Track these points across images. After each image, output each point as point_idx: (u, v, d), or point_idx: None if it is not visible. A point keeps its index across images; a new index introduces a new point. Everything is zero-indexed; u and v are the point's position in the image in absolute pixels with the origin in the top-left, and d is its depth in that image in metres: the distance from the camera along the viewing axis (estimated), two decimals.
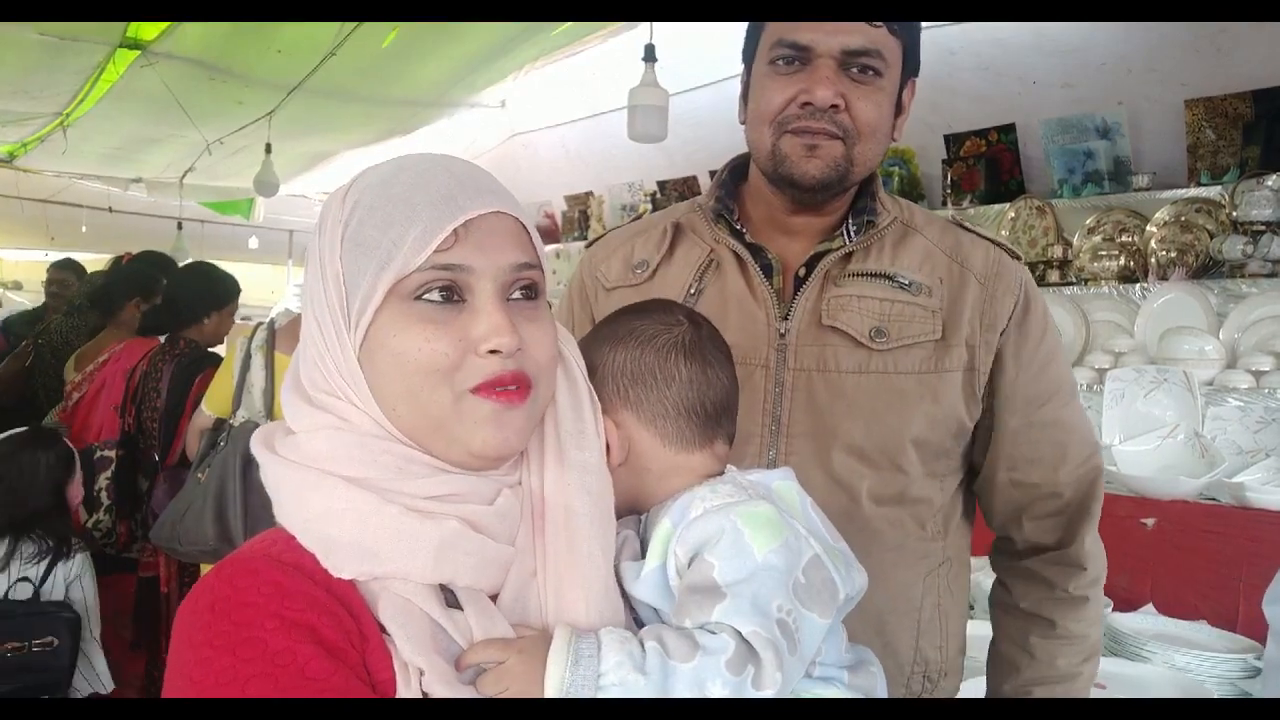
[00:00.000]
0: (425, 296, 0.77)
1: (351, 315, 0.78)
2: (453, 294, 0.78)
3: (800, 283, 1.23)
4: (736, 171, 1.34)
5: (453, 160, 0.83)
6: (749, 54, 1.27)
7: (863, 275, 1.23)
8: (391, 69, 5.12)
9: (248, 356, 2.58)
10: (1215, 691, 2.00)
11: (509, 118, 6.61)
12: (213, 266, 3.43)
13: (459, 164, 0.83)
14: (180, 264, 4.00)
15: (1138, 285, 3.40)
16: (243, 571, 0.75)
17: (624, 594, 0.83)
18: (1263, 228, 3.13)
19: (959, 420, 1.24)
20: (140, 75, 4.99)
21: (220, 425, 2.57)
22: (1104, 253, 3.55)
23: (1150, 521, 2.69)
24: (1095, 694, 1.97)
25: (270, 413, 2.53)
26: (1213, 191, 3.42)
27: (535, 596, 0.79)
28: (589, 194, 6.35)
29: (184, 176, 7.49)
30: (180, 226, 7.89)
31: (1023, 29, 4.01)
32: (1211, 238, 3.32)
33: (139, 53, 4.76)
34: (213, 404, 2.65)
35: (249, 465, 2.40)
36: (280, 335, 2.64)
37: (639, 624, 0.84)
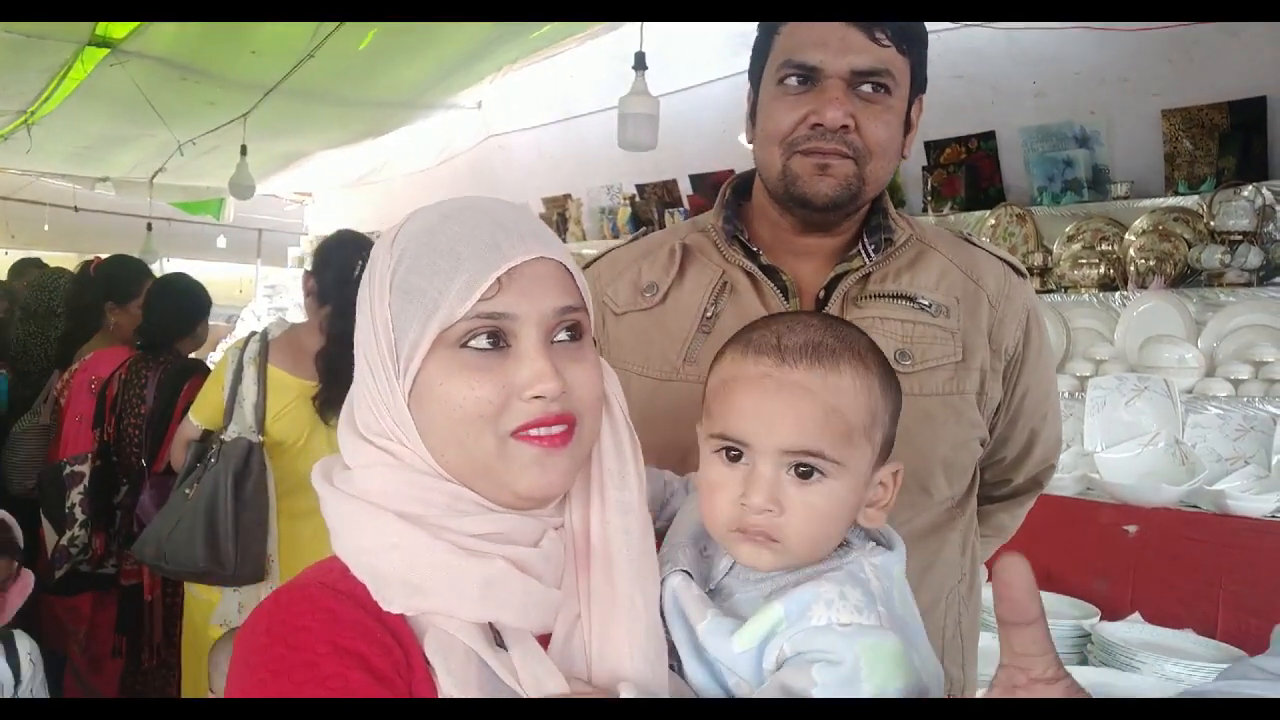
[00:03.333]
0: (471, 344, 0.79)
1: (400, 362, 0.80)
2: (498, 340, 0.79)
3: (820, 305, 1.22)
4: (739, 191, 1.33)
5: (497, 205, 0.84)
6: (756, 74, 1.26)
7: (883, 297, 1.23)
8: (368, 70, 5.06)
9: (239, 369, 2.51)
10: None
11: (485, 119, 6.56)
12: (189, 277, 3.40)
13: (503, 209, 0.84)
14: (150, 265, 3.96)
15: (1117, 293, 3.44)
16: (299, 598, 0.77)
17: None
18: (1240, 237, 3.18)
19: (980, 439, 1.26)
20: (109, 74, 4.89)
21: (207, 438, 2.51)
22: (1084, 260, 3.59)
23: (1133, 529, 2.72)
24: None
25: (262, 428, 2.48)
26: (1190, 201, 3.47)
27: (580, 640, 0.80)
28: (567, 196, 6.33)
29: (154, 176, 7.36)
30: (150, 227, 7.75)
31: (997, 38, 4.05)
32: (1190, 247, 3.36)
33: (107, 51, 4.67)
34: (201, 414, 2.57)
35: (241, 483, 2.36)
36: (275, 347, 2.56)
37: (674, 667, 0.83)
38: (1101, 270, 3.56)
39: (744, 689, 0.80)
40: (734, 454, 0.84)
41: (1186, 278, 3.39)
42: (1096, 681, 2.09)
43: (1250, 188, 3.24)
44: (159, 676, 2.97)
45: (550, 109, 6.09)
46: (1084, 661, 2.30)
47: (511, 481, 0.79)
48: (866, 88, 1.16)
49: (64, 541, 2.94)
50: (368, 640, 0.74)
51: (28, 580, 2.29)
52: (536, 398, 0.78)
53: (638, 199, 5.84)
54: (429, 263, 0.80)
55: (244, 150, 5.85)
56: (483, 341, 0.79)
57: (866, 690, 0.75)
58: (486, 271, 0.78)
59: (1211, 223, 3.26)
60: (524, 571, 0.78)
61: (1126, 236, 3.57)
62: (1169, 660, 2.10)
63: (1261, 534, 2.50)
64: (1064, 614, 2.44)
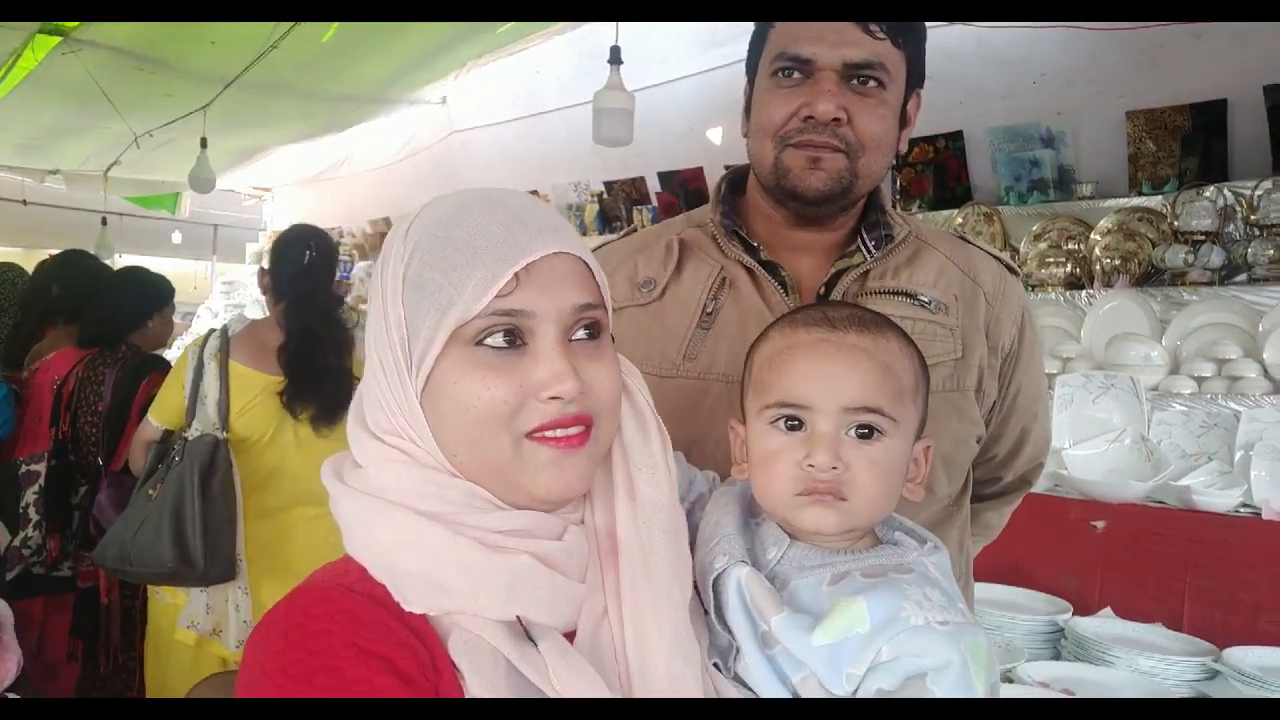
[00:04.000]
0: (486, 342, 0.77)
1: (413, 359, 0.78)
2: (514, 338, 0.77)
3: (820, 301, 1.21)
4: (735, 186, 1.31)
5: (514, 197, 0.82)
6: (751, 67, 1.25)
7: (883, 293, 1.22)
8: (331, 64, 4.98)
9: (200, 366, 2.47)
10: (1180, 695, 2.04)
11: (450, 115, 6.49)
12: (146, 270, 3.33)
13: (521, 201, 0.82)
14: (105, 260, 3.88)
15: (1084, 292, 3.48)
16: (316, 600, 0.74)
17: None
18: (1203, 237, 3.23)
19: (977, 436, 1.25)
20: (61, 63, 4.75)
21: (168, 438, 2.45)
22: (1050, 259, 3.63)
23: (1100, 524, 2.75)
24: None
25: (226, 425, 2.45)
26: (1154, 201, 3.52)
27: (608, 636, 0.78)
28: (533, 194, 6.27)
29: (109, 169, 7.18)
30: (105, 222, 7.56)
31: (966, 39, 4.09)
32: (1154, 246, 3.41)
33: (60, 39, 4.53)
34: (160, 414, 2.52)
35: (207, 480, 2.33)
36: (236, 343, 2.53)
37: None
38: (1068, 269, 3.61)
39: (811, 683, 0.79)
40: (793, 422, 0.85)
41: (1151, 277, 3.44)
42: (1071, 676, 2.10)
43: (1212, 188, 3.30)
44: (118, 681, 2.89)
45: (516, 105, 6.04)
46: (1058, 656, 2.32)
47: (527, 483, 0.77)
48: (860, 81, 1.15)
49: (16, 543, 2.84)
50: (392, 642, 0.71)
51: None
52: (553, 398, 0.76)
53: (605, 196, 5.81)
54: (444, 257, 0.77)
55: (204, 143, 5.73)
56: (499, 339, 0.76)
57: (978, 688, 0.75)
58: (503, 267, 0.76)
59: (1175, 223, 3.31)
60: (549, 566, 0.77)
61: (1092, 236, 3.62)
62: (1142, 655, 2.11)
63: (1225, 529, 2.54)
64: (1037, 609, 2.45)
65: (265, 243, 8.33)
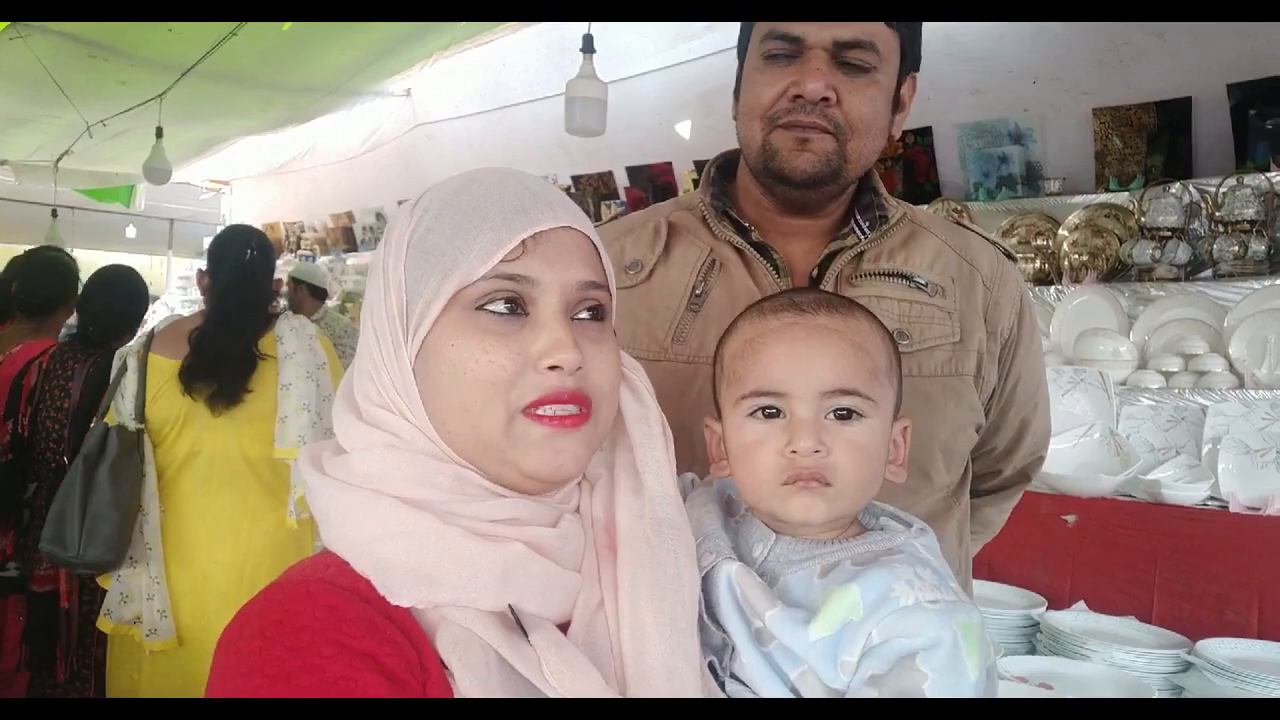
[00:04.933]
0: (488, 307, 0.74)
1: (411, 323, 0.75)
2: (516, 306, 0.75)
3: (814, 284, 1.18)
4: (724, 171, 1.28)
5: (525, 175, 0.81)
6: (741, 49, 1.22)
7: (878, 275, 1.19)
8: (292, 53, 4.87)
9: (124, 364, 2.50)
10: (1154, 688, 2.05)
11: (414, 107, 6.40)
12: (134, 272, 3.30)
13: (531, 178, 0.80)
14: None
15: (1053, 287, 3.50)
16: (295, 595, 0.70)
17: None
18: (1169, 233, 3.26)
19: (976, 424, 1.23)
20: (9, 48, 4.59)
21: None
22: (1019, 255, 3.64)
23: (1071, 518, 2.77)
24: (1041, 695, 1.99)
25: (140, 416, 2.46)
26: (1121, 197, 3.55)
27: (603, 628, 0.75)
28: None
29: (59, 160, 6.98)
30: (55, 214, 7.35)
31: (935, 35, 4.09)
32: (1121, 242, 3.44)
33: (6, 25, 4.38)
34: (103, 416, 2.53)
35: (93, 466, 2.34)
36: (159, 339, 2.55)
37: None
38: (1037, 265, 3.63)
39: (809, 679, 0.77)
40: (771, 410, 0.84)
41: (1118, 272, 3.47)
42: (1047, 670, 2.10)
43: (1178, 185, 3.34)
44: (71, 690, 2.78)
45: (482, 97, 5.97)
46: (1033, 650, 2.32)
47: (517, 458, 0.74)
48: (850, 61, 1.12)
49: None
50: (377, 639, 0.67)
51: None
52: (553, 368, 0.73)
53: (573, 190, 5.76)
54: (451, 222, 0.75)
55: (159, 132, 5.59)
56: (500, 306, 0.74)
57: (970, 667, 0.74)
58: (511, 233, 0.74)
59: (1142, 219, 3.34)
60: (542, 554, 0.74)
61: (1060, 232, 3.65)
62: (1118, 648, 2.12)
63: (1193, 522, 2.57)
64: (1012, 604, 2.46)
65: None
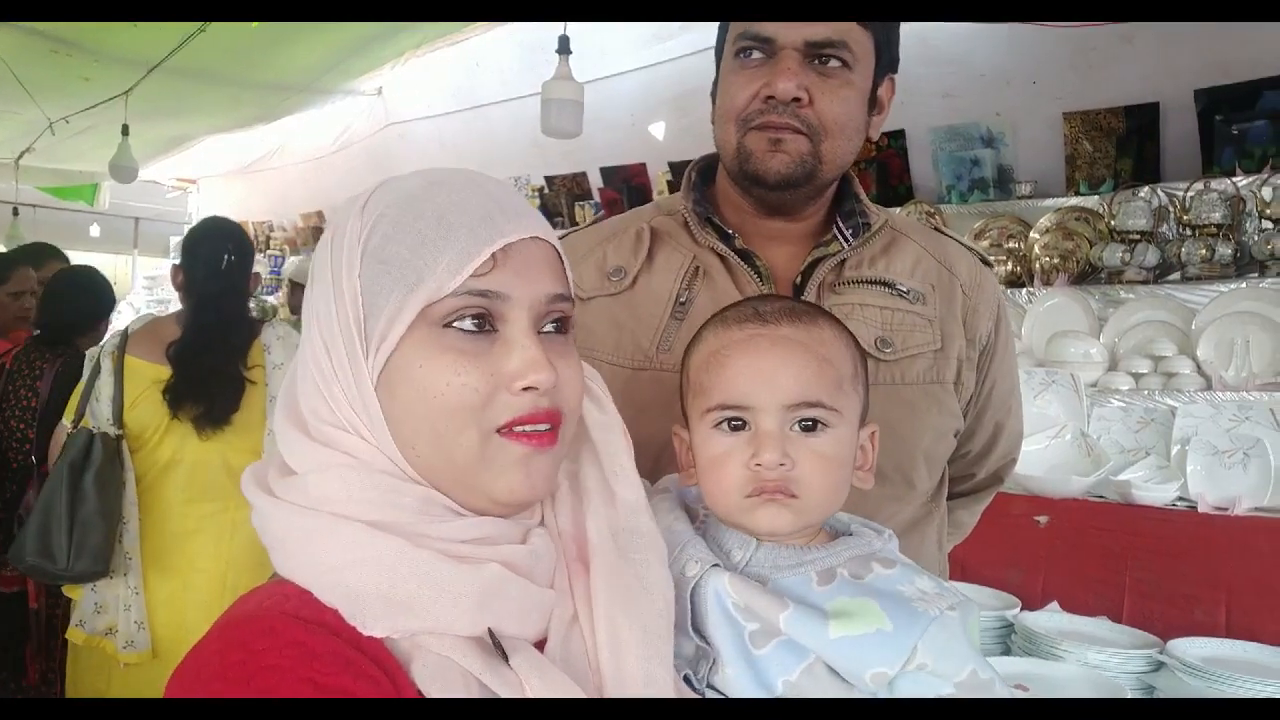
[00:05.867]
0: (456, 324, 0.71)
1: (371, 339, 0.71)
2: (485, 323, 0.72)
3: (797, 291, 1.17)
4: (704, 175, 1.27)
5: (486, 179, 0.77)
6: (718, 51, 1.21)
7: (860, 282, 1.18)
8: (262, 50, 4.80)
9: (97, 364, 2.41)
10: (1127, 688, 2.06)
11: (386, 106, 6.34)
12: (96, 272, 3.25)
13: (493, 183, 0.76)
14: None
15: (1024, 290, 3.53)
16: (257, 632, 0.65)
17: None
18: (1138, 237, 3.30)
19: (956, 430, 1.23)
20: None
21: None
22: (992, 258, 3.66)
23: (1043, 519, 2.79)
24: (1017, 696, 2.00)
25: (119, 421, 2.38)
26: (1091, 201, 3.59)
27: (579, 642, 0.73)
28: None
29: (20, 157, 6.84)
30: (16, 213, 7.21)
31: (908, 38, 4.11)
32: (1091, 245, 3.47)
33: None
34: (70, 415, 2.44)
35: (78, 475, 2.26)
36: (134, 339, 2.46)
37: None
38: (1009, 267, 3.66)
39: (817, 670, 0.77)
40: (736, 423, 0.84)
41: (1088, 275, 3.50)
42: (1022, 672, 2.11)
43: (1146, 189, 3.38)
44: (45, 693, 2.73)
45: (455, 97, 5.93)
46: (1007, 652, 2.33)
47: (489, 483, 0.71)
48: (823, 60, 1.11)
49: None
50: (352, 674, 0.63)
51: None
52: (527, 389, 0.71)
53: (546, 191, 5.74)
54: (413, 230, 0.71)
55: (125, 130, 5.49)
56: (469, 324, 0.71)
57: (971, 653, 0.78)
58: (481, 245, 0.71)
59: (1112, 222, 3.37)
60: (517, 573, 0.71)
61: (1031, 235, 3.68)
62: (1091, 649, 2.13)
63: (1162, 522, 2.60)
64: (986, 605, 2.47)
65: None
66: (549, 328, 0.75)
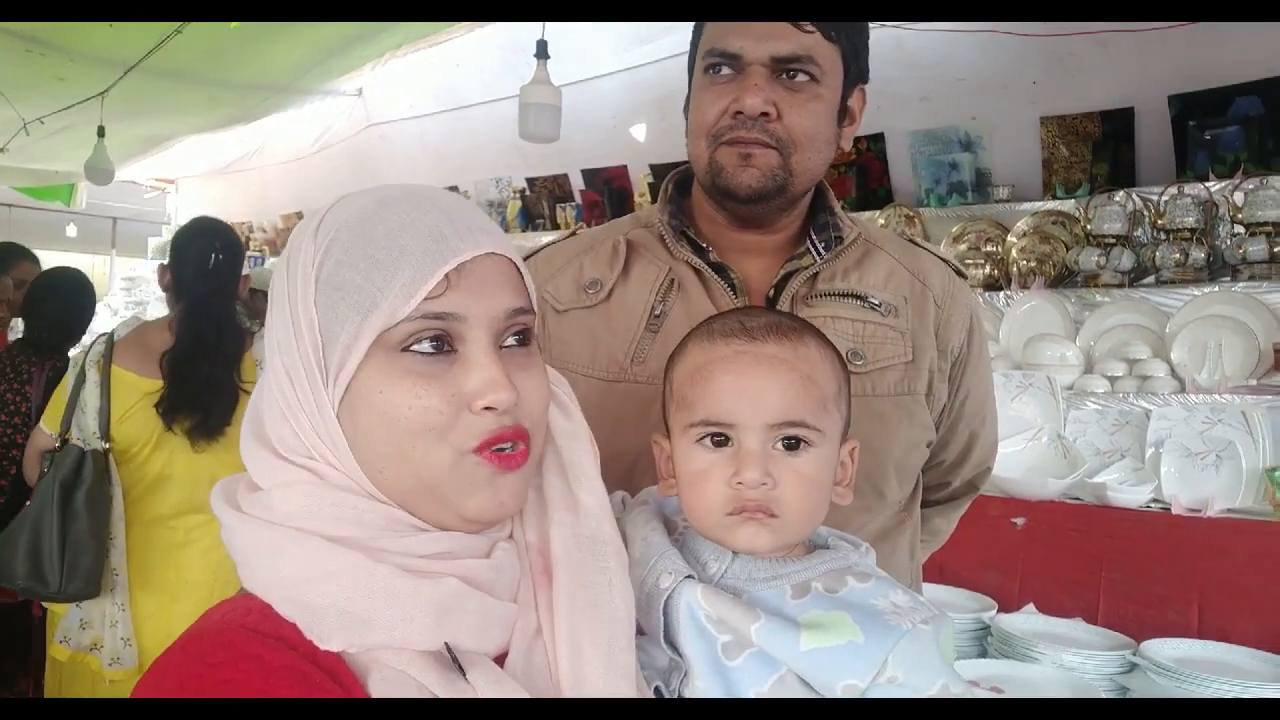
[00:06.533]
0: (414, 348, 0.71)
1: (330, 368, 0.71)
2: (443, 344, 0.71)
3: (770, 304, 1.18)
4: (680, 187, 1.27)
5: (437, 193, 0.76)
6: (690, 67, 1.22)
7: (833, 295, 1.19)
8: (240, 51, 4.77)
9: (82, 372, 2.36)
10: (1101, 689, 2.09)
11: (366, 107, 6.32)
12: (81, 273, 3.22)
13: (446, 198, 0.75)
14: None
15: (1001, 293, 3.56)
16: (215, 646, 0.65)
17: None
18: (1114, 241, 3.33)
19: (928, 441, 1.24)
20: None
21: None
22: (970, 261, 3.70)
23: (1020, 521, 2.82)
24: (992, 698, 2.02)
25: (106, 434, 2.33)
26: (1067, 205, 3.62)
27: (541, 655, 0.73)
28: (454, 189, 6.15)
29: None
30: None
31: (885, 43, 4.13)
32: (1067, 249, 3.51)
33: None
34: (51, 421, 2.39)
35: (69, 494, 2.21)
36: (121, 348, 2.41)
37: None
38: (987, 270, 3.69)
39: (789, 681, 0.77)
40: (719, 438, 0.84)
41: (1064, 278, 3.54)
42: (998, 674, 2.13)
43: (1122, 193, 3.41)
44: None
45: (436, 98, 5.91)
46: (984, 654, 2.35)
47: (458, 502, 0.71)
48: (790, 75, 1.13)
49: None
50: (307, 688, 0.64)
51: None
52: (487, 409, 0.70)
53: (528, 193, 5.73)
54: (365, 255, 0.71)
55: (101, 131, 5.44)
56: (426, 346, 0.70)
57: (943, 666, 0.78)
58: (433, 267, 0.70)
59: (1088, 226, 3.41)
60: (477, 588, 0.71)
61: (1008, 238, 3.71)
62: (1066, 650, 2.15)
63: (1137, 524, 2.63)
64: (963, 607, 2.49)
65: (169, 236, 7.99)
66: (510, 341, 0.75)
